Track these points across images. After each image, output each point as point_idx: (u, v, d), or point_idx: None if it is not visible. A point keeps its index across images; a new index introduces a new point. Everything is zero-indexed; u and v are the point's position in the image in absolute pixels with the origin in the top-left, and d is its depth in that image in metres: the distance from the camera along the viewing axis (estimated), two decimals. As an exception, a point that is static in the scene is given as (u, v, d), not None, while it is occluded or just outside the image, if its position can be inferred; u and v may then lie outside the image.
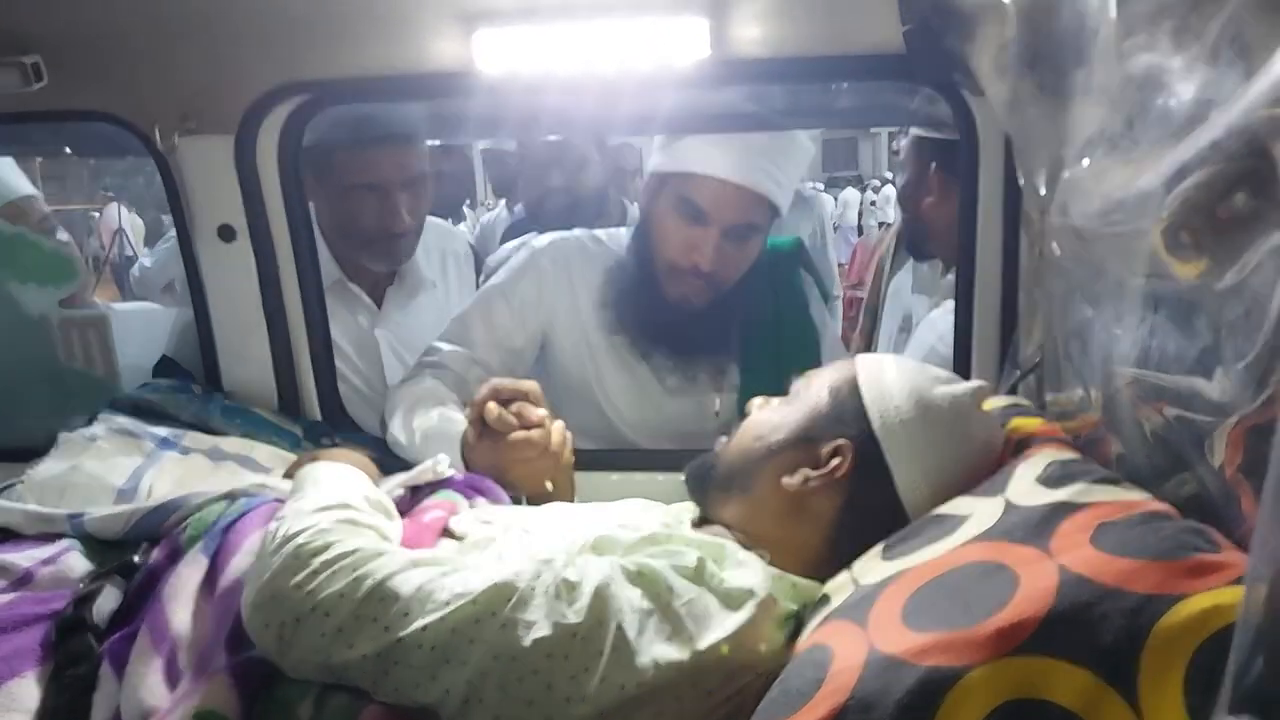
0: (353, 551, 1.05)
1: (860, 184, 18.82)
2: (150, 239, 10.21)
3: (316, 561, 1.04)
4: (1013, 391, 1.56)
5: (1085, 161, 1.13)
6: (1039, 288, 1.48)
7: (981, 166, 1.66)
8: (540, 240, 2.13)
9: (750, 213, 1.89)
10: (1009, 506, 0.98)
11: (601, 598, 0.98)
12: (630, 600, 0.99)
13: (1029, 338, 1.59)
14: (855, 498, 1.16)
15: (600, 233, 2.14)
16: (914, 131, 2.33)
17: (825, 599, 1.05)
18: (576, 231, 2.16)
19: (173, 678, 1.11)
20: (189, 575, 1.20)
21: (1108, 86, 1.12)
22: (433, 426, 1.75)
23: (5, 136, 2.08)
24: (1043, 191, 1.35)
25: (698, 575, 1.03)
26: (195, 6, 1.64)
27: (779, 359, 2.04)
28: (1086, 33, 1.19)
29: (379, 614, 1.00)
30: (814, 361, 2.06)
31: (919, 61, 1.56)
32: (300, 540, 1.07)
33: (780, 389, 1.99)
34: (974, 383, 1.22)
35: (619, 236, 2.12)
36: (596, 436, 2.05)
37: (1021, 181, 1.51)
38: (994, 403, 1.37)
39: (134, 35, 1.69)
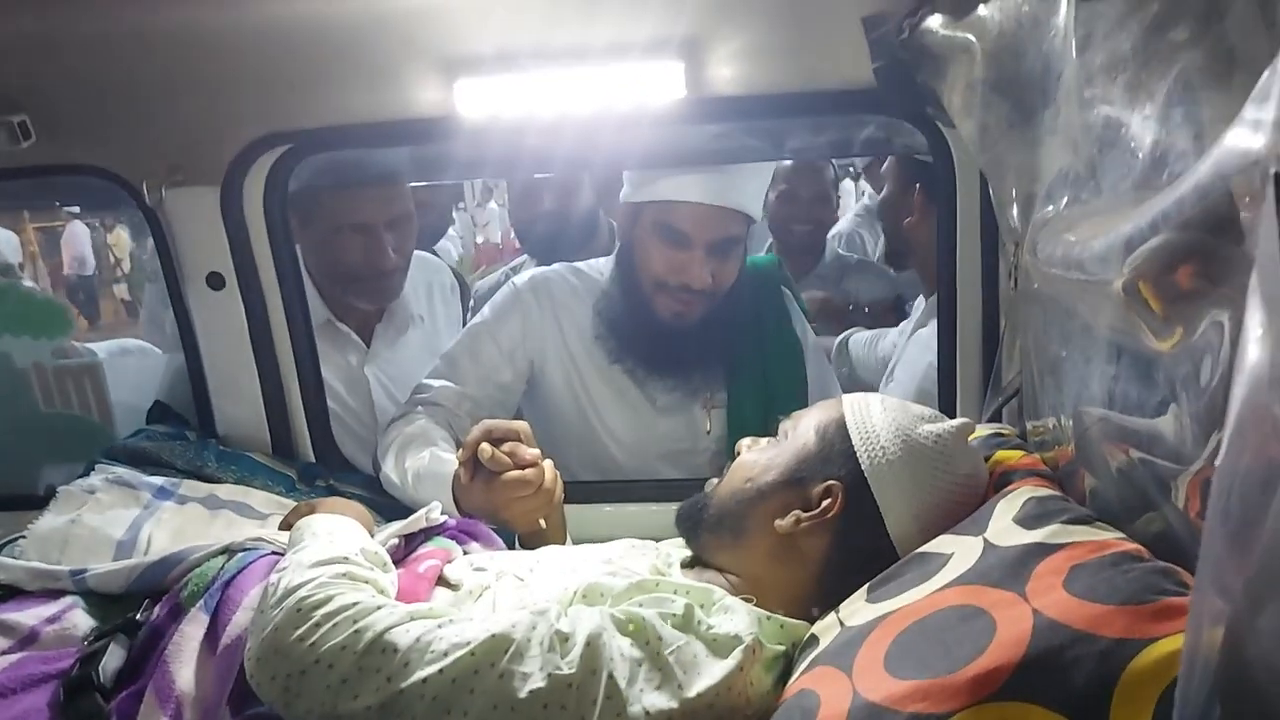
0: (353, 605, 1.08)
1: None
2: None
3: (318, 615, 1.07)
4: (996, 416, 1.59)
5: (1052, 207, 1.16)
6: (1015, 317, 1.51)
7: (959, 194, 1.69)
8: (521, 277, 2.17)
9: (729, 228, 1.95)
10: (988, 547, 1.01)
11: (593, 648, 1.01)
12: (621, 649, 1.02)
13: (1010, 363, 1.62)
14: (845, 537, 1.19)
15: (580, 265, 2.18)
16: None
17: (813, 640, 1.07)
18: (557, 266, 2.20)
19: (179, 737, 1.14)
20: (191, 633, 1.23)
21: (1072, 128, 1.15)
22: (424, 467, 1.77)
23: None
24: (1015, 224, 1.38)
25: (685, 623, 1.06)
26: (179, 61, 1.66)
27: (765, 373, 2.09)
28: (1051, 74, 1.22)
29: (381, 665, 1.02)
30: (798, 374, 2.12)
31: (891, 96, 1.59)
32: (301, 594, 1.09)
33: (767, 404, 2.05)
34: (958, 420, 1.25)
35: (599, 266, 2.16)
36: (589, 465, 2.08)
37: (997, 214, 1.54)
38: (978, 431, 1.40)
39: (119, 91, 1.71)
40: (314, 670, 1.03)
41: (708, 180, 1.90)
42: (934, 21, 1.41)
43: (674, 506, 1.39)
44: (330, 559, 1.18)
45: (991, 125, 1.39)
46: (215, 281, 1.87)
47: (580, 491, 1.79)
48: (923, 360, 2.16)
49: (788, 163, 2.96)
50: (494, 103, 1.65)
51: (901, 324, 2.54)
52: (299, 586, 1.11)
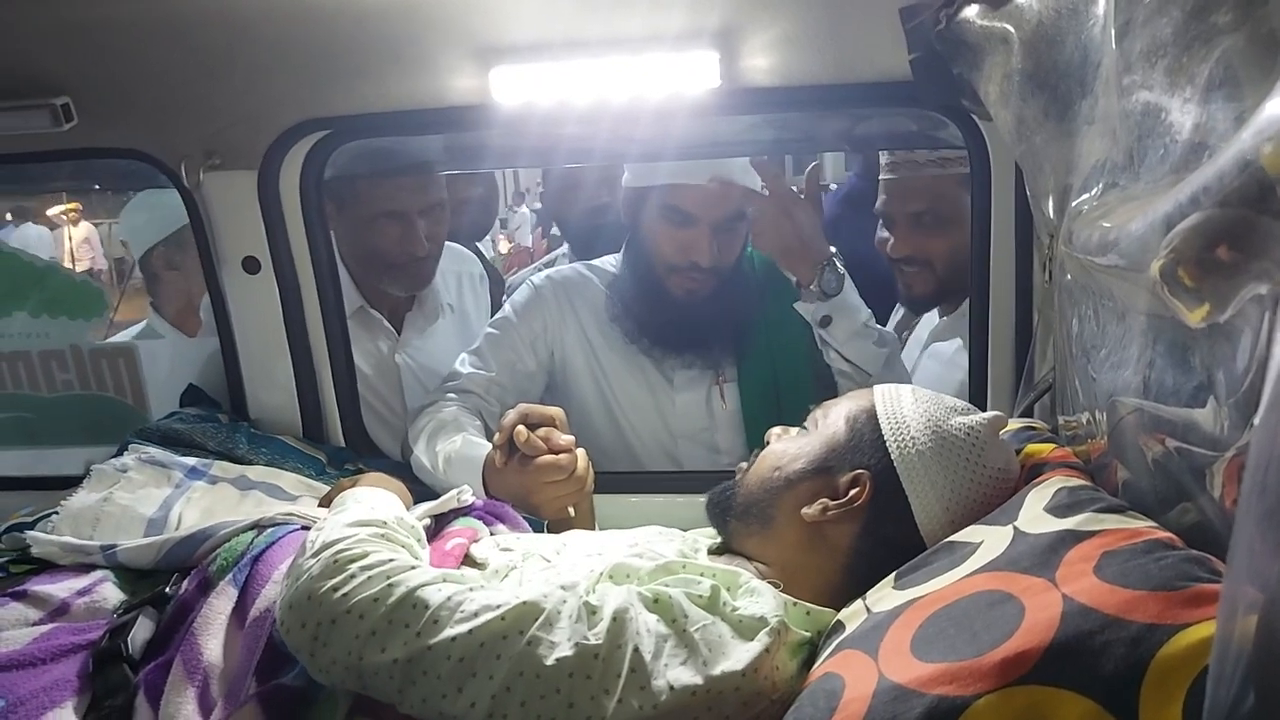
0: (387, 561, 1.10)
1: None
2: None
3: (353, 568, 1.08)
4: (1028, 412, 1.57)
5: (1090, 193, 1.15)
6: (1049, 312, 1.50)
7: (994, 188, 1.67)
8: (538, 276, 2.26)
9: (733, 203, 2.00)
10: (1017, 534, 1.00)
11: (620, 621, 1.01)
12: (647, 624, 1.02)
13: (1043, 359, 1.60)
14: (873, 527, 1.19)
15: (594, 262, 2.26)
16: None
17: (839, 626, 1.07)
18: (571, 265, 2.31)
19: (206, 707, 1.15)
20: (219, 606, 1.24)
21: (1110, 118, 1.14)
22: (456, 451, 1.79)
23: (37, 174, 2.13)
24: (1050, 216, 1.37)
25: (712, 604, 1.06)
26: (220, 46, 1.68)
27: (771, 351, 2.15)
28: (1090, 64, 1.21)
29: (410, 620, 1.03)
30: (803, 353, 2.14)
31: (926, 88, 1.58)
32: (338, 548, 1.11)
33: (775, 380, 2.07)
34: (990, 413, 1.24)
35: (606, 262, 2.24)
36: (610, 452, 2.11)
37: (1032, 206, 1.53)
38: (1009, 425, 1.39)
39: (160, 75, 1.74)
40: (344, 620, 1.04)
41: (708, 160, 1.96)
42: (971, 11, 1.40)
43: (700, 499, 1.39)
44: (369, 521, 1.20)
45: (1028, 117, 1.38)
46: (250, 265, 1.89)
47: (607, 481, 1.79)
48: (938, 373, 2.14)
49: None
50: (529, 91, 1.65)
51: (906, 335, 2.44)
52: (337, 541, 1.12)
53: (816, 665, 1.02)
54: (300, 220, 1.89)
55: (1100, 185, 1.15)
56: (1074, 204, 1.21)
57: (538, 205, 10.07)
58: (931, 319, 2.28)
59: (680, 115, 1.72)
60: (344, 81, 1.72)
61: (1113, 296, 1.07)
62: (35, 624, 1.35)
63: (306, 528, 1.32)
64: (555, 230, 3.40)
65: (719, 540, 1.35)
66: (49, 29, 1.67)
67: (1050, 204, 1.38)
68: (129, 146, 1.84)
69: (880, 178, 2.15)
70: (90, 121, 1.75)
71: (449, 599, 1.05)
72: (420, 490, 1.81)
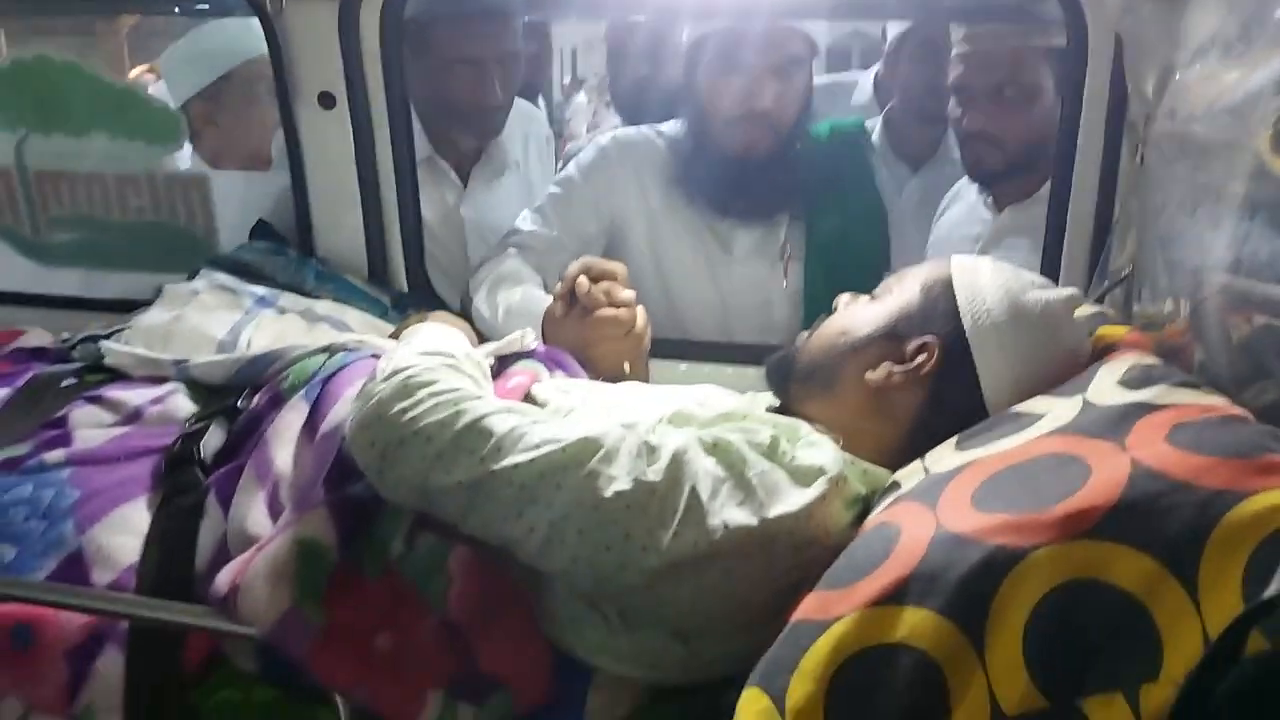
0: (455, 389, 1.12)
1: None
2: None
3: (422, 393, 1.10)
4: (1099, 303, 1.55)
5: (1197, 66, 1.10)
6: (1136, 197, 1.46)
7: (1089, 68, 1.61)
8: (605, 137, 2.20)
9: (788, 47, 1.93)
10: (1086, 405, 1.00)
11: (678, 462, 1.02)
12: (705, 466, 1.03)
13: (1121, 249, 1.57)
14: (938, 396, 1.17)
15: (662, 126, 2.18)
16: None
17: (895, 485, 1.07)
18: (641, 127, 2.21)
19: (275, 510, 1.19)
20: (291, 419, 1.28)
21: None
22: (516, 303, 1.80)
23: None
24: (1150, 95, 1.32)
25: (771, 451, 1.07)
26: None
27: (844, 233, 2.08)
28: (1211, -68, 1.15)
29: (475, 446, 1.06)
30: (879, 239, 2.11)
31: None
32: (408, 373, 1.13)
33: (845, 265, 2.02)
34: (1068, 290, 1.22)
35: (679, 125, 2.15)
36: (661, 327, 2.08)
37: (1130, 87, 1.48)
38: (1081, 311, 1.37)
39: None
40: (412, 441, 1.07)
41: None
42: None
43: (751, 370, 1.38)
44: (439, 351, 1.22)
45: (1138, -10, 1.33)
46: (326, 101, 1.89)
47: (660, 347, 1.79)
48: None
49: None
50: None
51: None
52: (407, 366, 1.14)
53: (871, 517, 1.03)
54: (378, 58, 1.87)
55: (1210, 59, 1.10)
56: (1180, 78, 1.17)
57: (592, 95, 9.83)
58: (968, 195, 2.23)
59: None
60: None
61: (1210, 171, 1.03)
62: (110, 426, 1.41)
63: (377, 356, 1.34)
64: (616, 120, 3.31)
65: (778, 404, 1.35)
66: None
67: (1150, 83, 1.33)
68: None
69: (955, 51, 2.07)
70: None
71: (513, 429, 1.07)
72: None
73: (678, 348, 1.96)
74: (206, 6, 2.36)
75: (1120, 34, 1.45)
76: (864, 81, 3.06)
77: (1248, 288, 0.93)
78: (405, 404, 1.09)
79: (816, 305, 1.99)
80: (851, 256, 2.07)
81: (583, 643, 1.09)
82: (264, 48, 1.89)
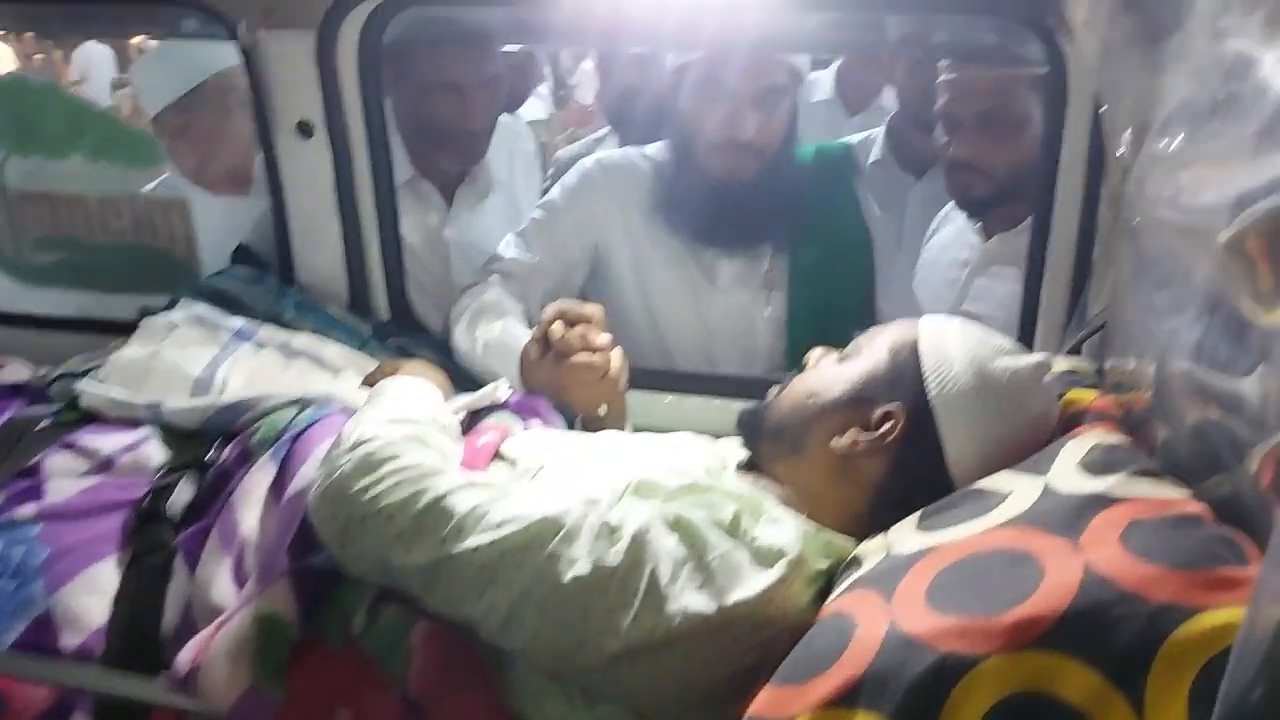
0: (416, 465, 1.12)
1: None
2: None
3: (385, 469, 1.10)
4: (1077, 348, 1.54)
5: (1167, 140, 1.09)
6: (1113, 241, 1.45)
7: (1069, 114, 1.60)
8: (589, 159, 2.17)
9: (772, 76, 1.92)
10: (1047, 491, 0.99)
11: (639, 543, 1.02)
12: (666, 547, 1.03)
13: (1098, 295, 1.56)
14: (902, 464, 1.17)
15: (648, 149, 2.16)
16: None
17: (856, 562, 1.07)
18: (626, 149, 2.20)
19: (240, 578, 1.20)
20: (258, 480, 1.28)
21: (1199, 58, 1.08)
22: (495, 338, 1.80)
23: (95, 15, 2.11)
24: (1125, 152, 1.31)
25: (734, 528, 1.07)
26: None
27: (829, 260, 2.07)
28: (1185, -3, 1.14)
29: (436, 527, 1.06)
30: (863, 267, 2.09)
31: None
32: (371, 448, 1.13)
33: (828, 293, 2.02)
34: (1037, 356, 1.21)
35: (663, 150, 2.14)
36: (645, 348, 2.08)
37: (1106, 137, 1.47)
38: (1055, 367, 1.36)
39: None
40: (374, 519, 1.08)
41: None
42: (1068, -75, 1.32)
43: (735, 404, 1.38)
44: (405, 419, 1.21)
45: (1116, 42, 1.32)
46: (305, 129, 1.88)
47: (643, 378, 1.78)
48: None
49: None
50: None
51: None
52: (371, 439, 1.14)
53: (831, 599, 1.03)
54: (357, 85, 1.86)
55: (1183, 132, 1.09)
56: (1151, 147, 1.16)
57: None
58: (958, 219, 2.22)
59: (750, 9, 1.65)
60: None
61: (1176, 257, 1.03)
62: (82, 474, 1.41)
63: (348, 412, 1.34)
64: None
65: (748, 456, 1.35)
66: None
67: (1126, 140, 1.32)
68: (188, -3, 1.81)
69: (941, 79, 2.06)
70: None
71: (474, 509, 1.07)
72: (461, 371, 1.83)
73: (663, 379, 1.95)
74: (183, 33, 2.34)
75: (1099, 89, 1.44)
76: (824, 78, 3.06)
77: (1207, 379, 0.92)
78: (367, 481, 1.09)
79: (800, 333, 2.00)
80: (836, 284, 2.07)
81: (544, 716, 1.09)
82: (236, 61, 1.88)
